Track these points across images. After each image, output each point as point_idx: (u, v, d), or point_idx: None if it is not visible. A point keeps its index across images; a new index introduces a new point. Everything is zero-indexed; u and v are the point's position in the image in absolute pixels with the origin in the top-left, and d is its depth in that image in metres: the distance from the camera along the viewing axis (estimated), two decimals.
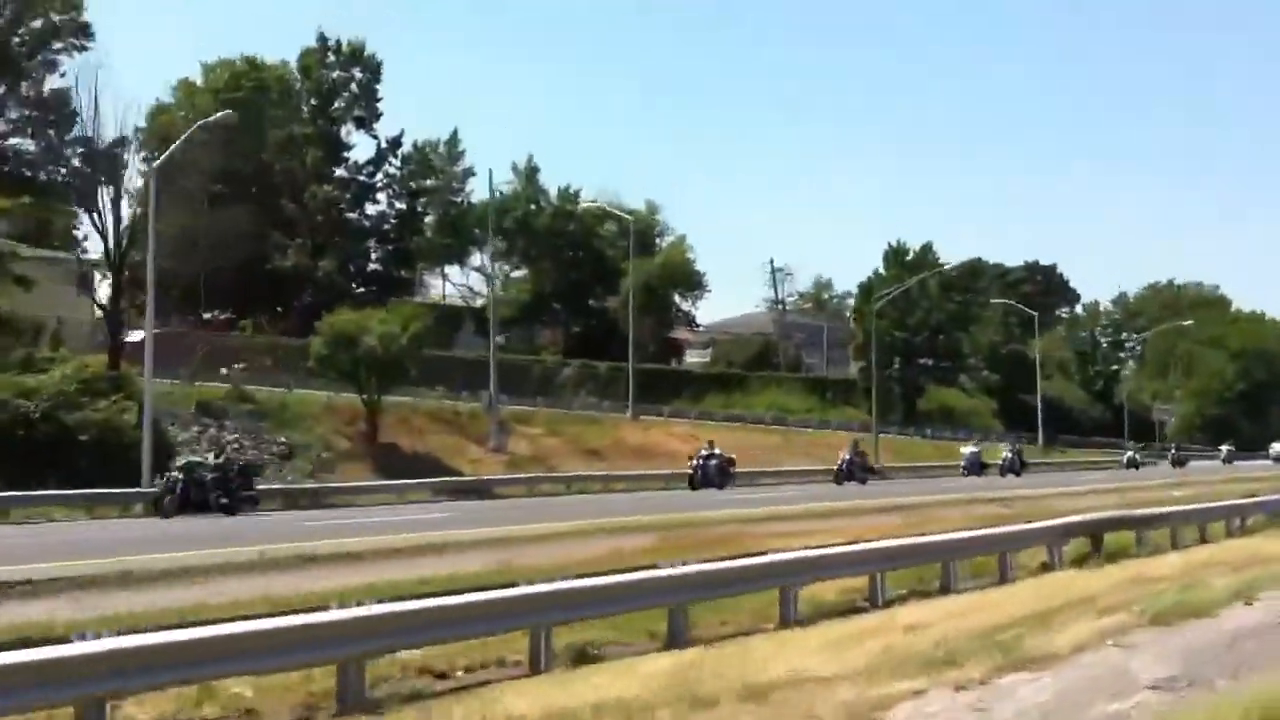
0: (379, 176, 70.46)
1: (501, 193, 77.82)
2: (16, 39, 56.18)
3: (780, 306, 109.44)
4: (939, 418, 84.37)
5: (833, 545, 15.01)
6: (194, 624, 8.99)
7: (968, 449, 54.24)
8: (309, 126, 66.62)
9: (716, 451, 39.87)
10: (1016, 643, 8.93)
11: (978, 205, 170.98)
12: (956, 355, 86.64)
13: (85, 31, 56.45)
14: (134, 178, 64.47)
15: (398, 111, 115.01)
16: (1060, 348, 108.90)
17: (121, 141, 62.87)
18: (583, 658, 11.01)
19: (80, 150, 55.98)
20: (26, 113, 57.05)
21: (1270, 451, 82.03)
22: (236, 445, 37.38)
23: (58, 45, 57.43)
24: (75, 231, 70.46)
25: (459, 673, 10.36)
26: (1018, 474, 50.59)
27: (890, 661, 8.41)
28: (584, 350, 74.72)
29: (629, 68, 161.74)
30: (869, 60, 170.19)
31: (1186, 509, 23.71)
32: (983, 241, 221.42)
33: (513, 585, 11.00)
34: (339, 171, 68.18)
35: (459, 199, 79.53)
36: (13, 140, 58.79)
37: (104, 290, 75.13)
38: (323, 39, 67.73)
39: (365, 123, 69.72)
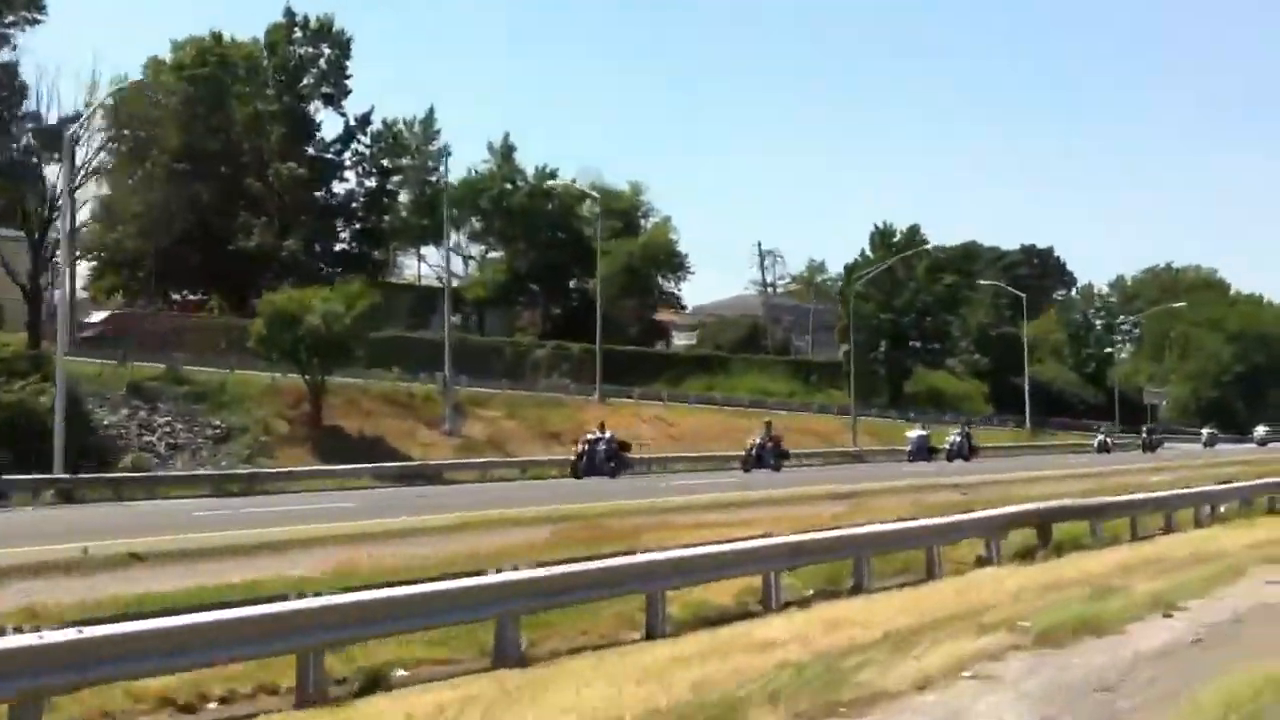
0: (347, 155, 68.50)
1: (477, 172, 76.21)
2: None
3: (770, 289, 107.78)
4: (927, 401, 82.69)
5: (720, 542, 13.25)
6: None
7: (913, 432, 51.60)
8: (274, 104, 64.67)
9: (607, 435, 36.98)
10: (853, 673, 7.22)
11: (975, 189, 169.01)
12: (944, 337, 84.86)
13: (36, 4, 54.51)
14: (89, 155, 62.76)
15: (371, 90, 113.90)
16: (1055, 331, 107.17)
17: (75, 118, 61.53)
18: (374, 683, 9.31)
19: (30, 126, 54.29)
20: None
21: (1254, 435, 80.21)
22: (168, 429, 35.74)
23: (9, 18, 55.56)
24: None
25: (212, 704, 8.65)
26: (966, 459, 47.95)
27: (680, 705, 6.69)
28: (565, 332, 72.97)
29: (615, 48, 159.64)
30: (860, 40, 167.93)
31: (1144, 497, 22.03)
32: (980, 225, 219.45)
33: (283, 599, 9.23)
34: (308, 150, 66.13)
35: (434, 178, 77.58)
36: None
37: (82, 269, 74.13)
38: (290, 14, 65.76)
39: (334, 100, 67.72)
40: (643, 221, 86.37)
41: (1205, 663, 7.73)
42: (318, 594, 9.58)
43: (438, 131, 76.89)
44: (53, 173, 62.57)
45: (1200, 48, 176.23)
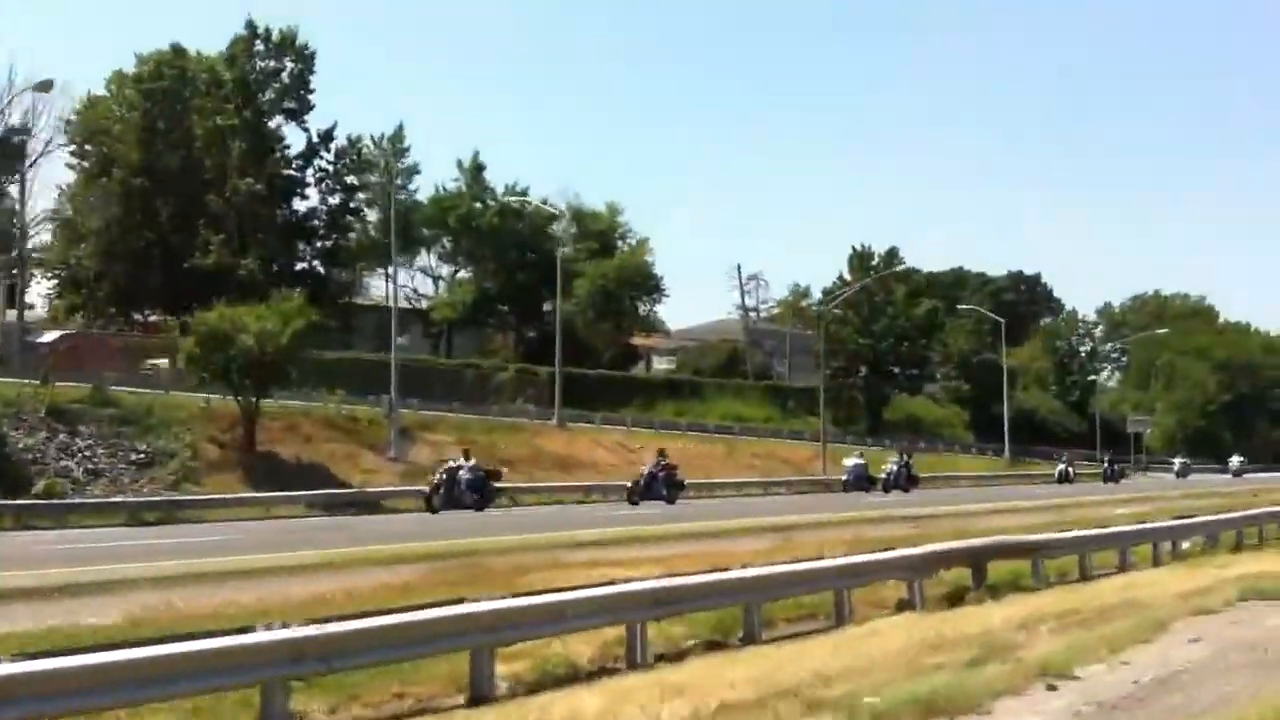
0: (310, 172, 66.91)
1: (445, 190, 74.75)
2: None
3: (752, 313, 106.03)
4: (906, 428, 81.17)
5: (559, 590, 11.59)
6: None
7: (850, 460, 47.95)
8: (234, 118, 63.14)
9: (470, 463, 33.30)
10: None
11: (964, 215, 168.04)
12: (924, 363, 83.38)
13: None
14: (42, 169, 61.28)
15: (338, 107, 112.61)
16: (1039, 358, 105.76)
17: (22, 130, 60.05)
18: None
19: None
20: None
21: (1229, 465, 78.46)
22: (88, 453, 34.01)
23: None
24: None
25: None
26: (905, 490, 45.02)
27: None
28: (538, 355, 71.36)
29: (598, 69, 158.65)
30: (844, 63, 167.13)
31: (1093, 534, 20.34)
32: (968, 252, 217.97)
33: None
34: (268, 166, 64.51)
35: (404, 196, 76.05)
36: None
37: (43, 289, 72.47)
38: (251, 27, 64.30)
39: (297, 115, 66.23)
40: (620, 243, 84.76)
41: None
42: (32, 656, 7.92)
43: (407, 149, 75.48)
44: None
45: (1193, 72, 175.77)
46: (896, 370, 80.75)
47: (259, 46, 64.70)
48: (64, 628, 10.77)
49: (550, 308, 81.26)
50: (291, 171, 66.47)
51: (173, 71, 63.68)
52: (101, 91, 66.42)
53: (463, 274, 77.29)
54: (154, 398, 38.30)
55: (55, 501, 30.60)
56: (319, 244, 67.68)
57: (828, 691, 7.65)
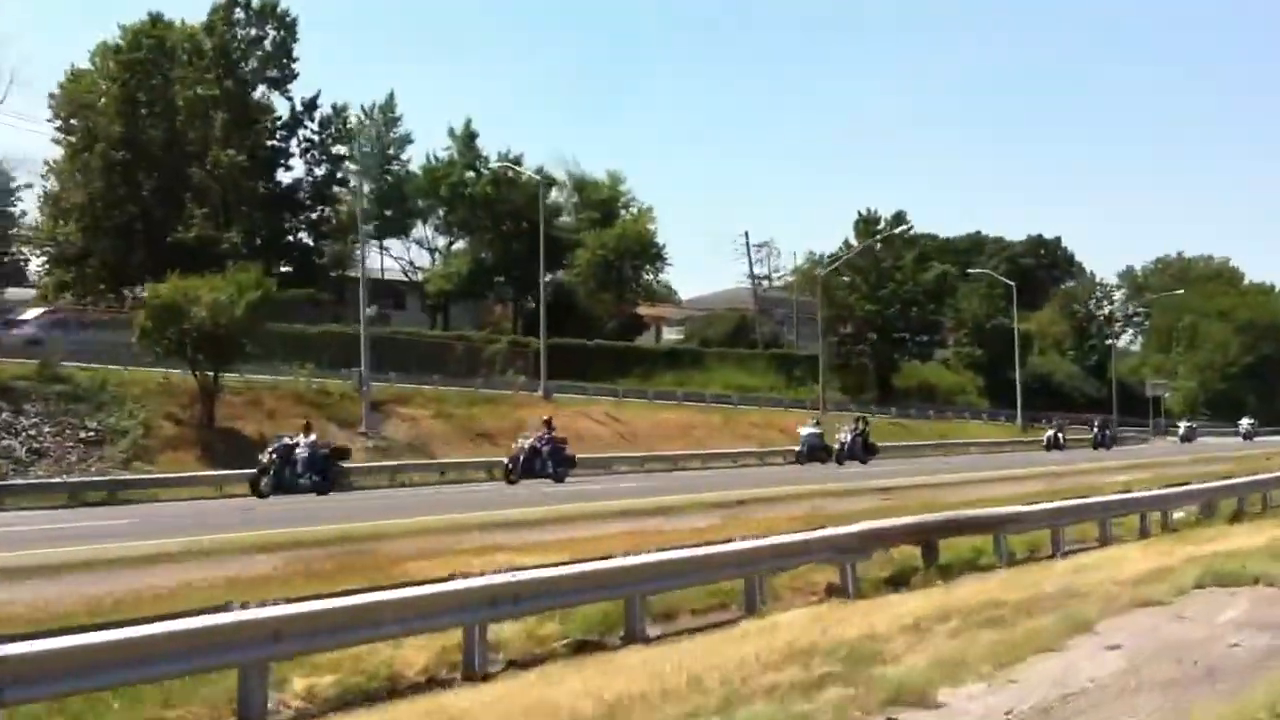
0: (294, 142, 65.22)
1: (436, 159, 72.99)
2: None
3: (764, 281, 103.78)
4: (919, 395, 79.27)
5: (359, 590, 9.89)
6: None
7: (804, 429, 43.77)
8: (214, 88, 61.46)
9: (309, 439, 29.43)
10: None
11: (982, 180, 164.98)
12: (934, 329, 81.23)
13: None
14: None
15: (328, 77, 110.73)
16: (1058, 322, 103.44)
17: None
18: None
19: None
20: None
21: (1239, 428, 75.84)
22: (33, 432, 32.59)
23: None
24: None
25: None
26: (863, 461, 41.67)
27: None
28: (539, 327, 69.77)
29: (609, 40, 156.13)
30: (860, 29, 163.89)
31: (1061, 506, 18.46)
32: (990, 218, 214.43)
33: None
34: (251, 137, 62.79)
35: (396, 167, 74.46)
36: None
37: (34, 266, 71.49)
38: None
39: (280, 84, 64.54)
40: (624, 213, 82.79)
41: None
42: None
43: (399, 118, 73.75)
44: None
45: (1213, 33, 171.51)
46: (906, 337, 78.56)
47: (239, 15, 62.99)
48: None
49: (550, 278, 79.97)
50: (276, 142, 64.76)
51: (151, 42, 62.00)
52: (87, 65, 64.99)
53: (458, 245, 75.35)
54: (109, 373, 36.80)
55: None
56: (306, 215, 65.89)
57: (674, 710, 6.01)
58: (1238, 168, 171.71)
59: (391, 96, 73.54)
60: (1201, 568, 11.69)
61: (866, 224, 77.58)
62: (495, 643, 10.42)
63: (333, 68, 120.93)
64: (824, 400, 55.91)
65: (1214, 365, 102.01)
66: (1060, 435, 56.83)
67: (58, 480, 29.87)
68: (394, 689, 9.29)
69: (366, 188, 72.81)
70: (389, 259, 78.01)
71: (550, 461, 32.39)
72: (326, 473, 29.19)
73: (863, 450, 42.85)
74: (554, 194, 77.38)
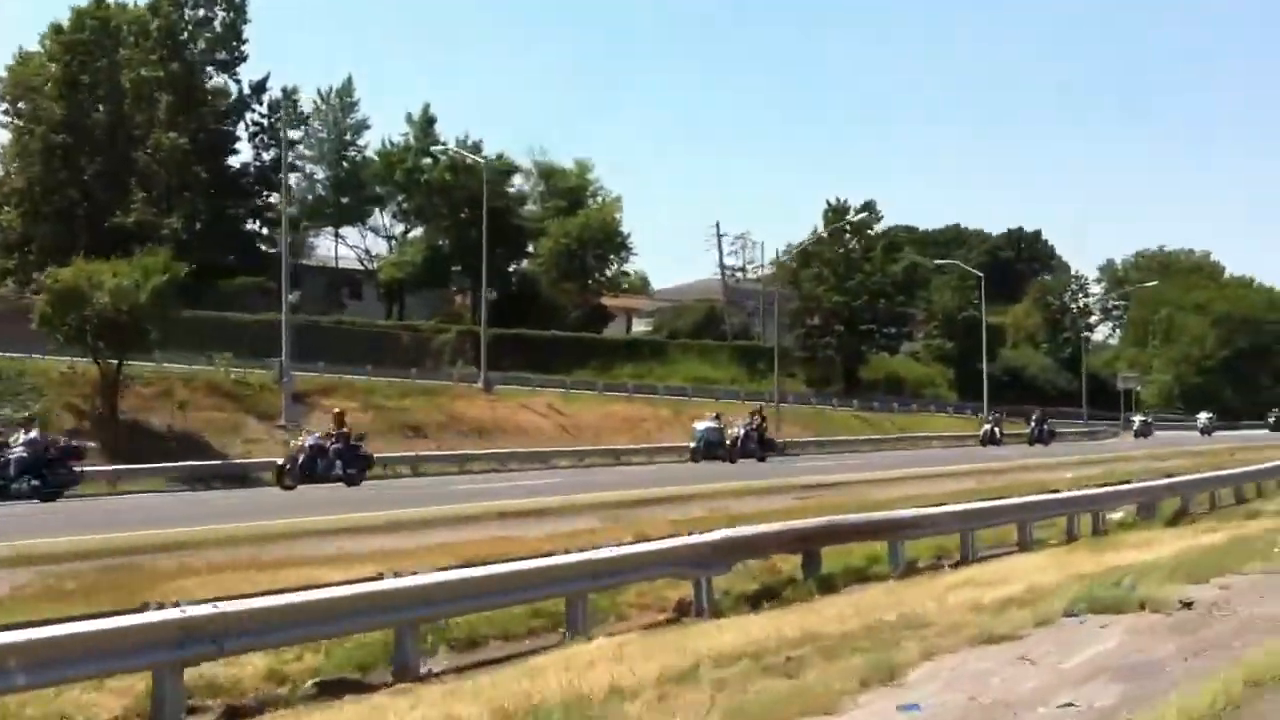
0: (242, 126, 63.38)
1: (392, 144, 71.04)
2: None
3: (739, 274, 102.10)
4: (886, 388, 77.64)
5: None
6: None
7: (701, 423, 39.78)
8: (159, 69, 59.44)
9: (29, 435, 25.35)
10: None
11: (963, 173, 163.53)
12: (902, 321, 79.51)
13: None
14: None
15: (286, 61, 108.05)
16: (1034, 315, 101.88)
17: None
18: None
19: None
20: None
21: (1197, 422, 74.10)
22: None
23: None
24: None
25: None
26: (760, 458, 37.58)
27: None
28: (503, 318, 67.94)
29: (566, 31, 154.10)
30: (841, 16, 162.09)
31: (972, 508, 16.70)
32: (970, 210, 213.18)
33: None
34: (195, 120, 60.77)
35: (354, 153, 72.55)
36: None
37: None
38: None
39: (229, 67, 62.61)
40: (591, 201, 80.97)
41: None
42: None
43: (356, 102, 71.81)
44: None
45: (1196, 26, 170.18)
46: (874, 329, 76.79)
47: None
48: None
49: (516, 269, 78.11)
50: (223, 126, 62.77)
51: (95, 23, 60.03)
52: (36, 47, 63.05)
53: (415, 233, 73.37)
54: (10, 363, 34.89)
55: None
56: (252, 202, 63.94)
57: None
58: (1221, 161, 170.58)
59: (349, 81, 71.81)
60: (1087, 586, 9.96)
61: (836, 213, 75.76)
62: (221, 683, 8.65)
63: (291, 52, 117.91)
64: (778, 394, 54.06)
65: (1190, 359, 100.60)
66: (998, 430, 53.35)
67: None
68: None
69: (322, 174, 71.21)
70: (344, 247, 75.93)
71: (340, 462, 27.56)
72: (46, 474, 24.82)
73: (759, 446, 38.86)
74: (519, 182, 75.70)
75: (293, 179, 69.40)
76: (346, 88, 71.36)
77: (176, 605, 7.92)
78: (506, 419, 44.06)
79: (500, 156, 72.71)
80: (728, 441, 38.18)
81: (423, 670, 9.42)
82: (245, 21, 62.66)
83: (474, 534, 15.38)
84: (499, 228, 71.40)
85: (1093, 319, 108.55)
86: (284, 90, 63.88)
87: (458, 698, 7.67)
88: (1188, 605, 9.24)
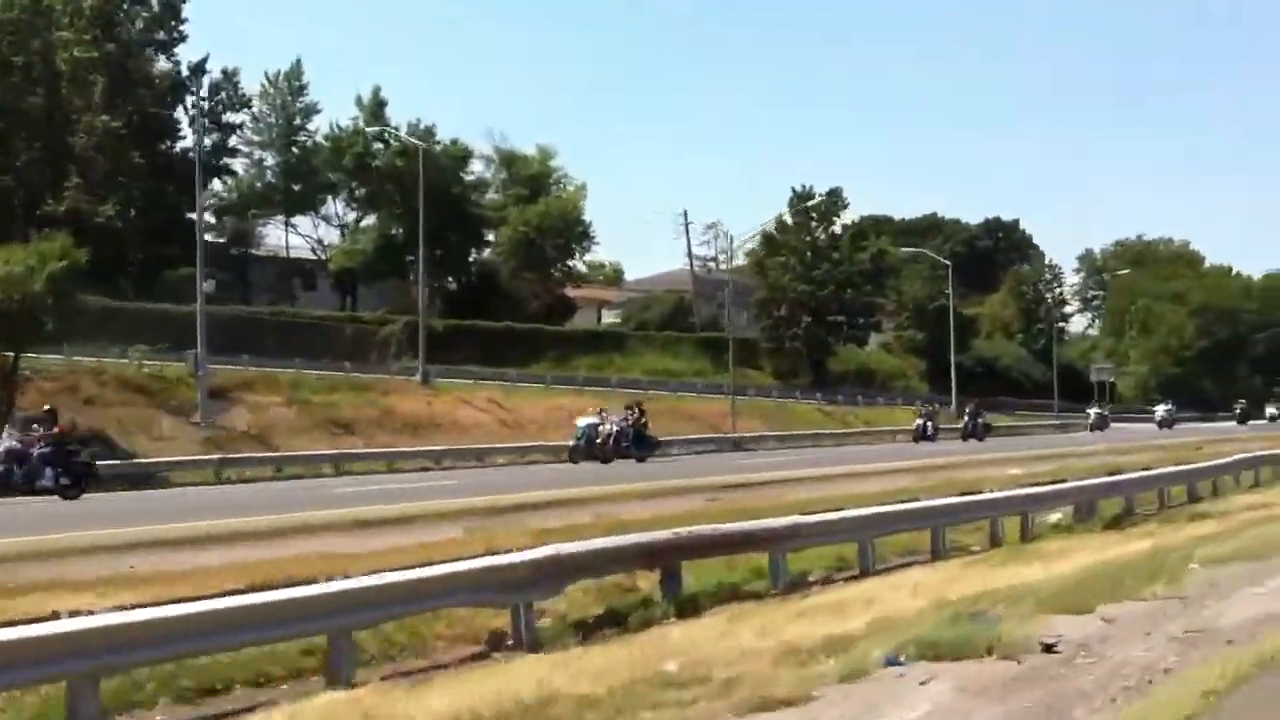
0: (181, 110, 61.11)
1: (339, 128, 68.83)
2: None
3: (710, 264, 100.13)
4: (856, 380, 75.86)
5: None
6: None
7: (583, 420, 35.41)
8: (92, 50, 57.17)
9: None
10: None
11: (942, 163, 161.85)
12: (871, 311, 77.60)
13: None
14: None
15: (233, 44, 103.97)
16: (1009, 305, 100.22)
17: None
18: None
19: None
20: None
21: (1155, 415, 72.29)
22: None
23: None
24: None
25: None
26: (639, 459, 33.37)
27: None
28: (464, 309, 66.04)
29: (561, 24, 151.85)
30: (814, 10, 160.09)
31: (869, 513, 14.80)
32: (951, 201, 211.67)
33: None
34: (131, 104, 58.44)
35: (304, 139, 70.35)
36: None
37: None
38: None
39: (167, 48, 60.34)
40: (556, 189, 78.96)
41: None
42: None
43: (304, 86, 69.62)
44: None
45: (1177, 13, 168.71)
46: (842, 320, 74.85)
47: None
48: None
49: (476, 258, 76.06)
50: (162, 110, 60.51)
51: (25, 1, 57.68)
52: None
53: (368, 221, 71.15)
54: None
55: None
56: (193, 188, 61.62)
57: None
58: (1201, 150, 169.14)
59: (298, 64, 69.59)
60: (938, 620, 8.10)
61: (801, 199, 73.84)
62: None
63: (237, 34, 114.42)
64: (733, 386, 52.26)
65: (1168, 349, 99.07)
66: (930, 424, 48.37)
67: None
68: None
69: (272, 160, 68.97)
70: (297, 236, 73.70)
71: (50, 468, 23.35)
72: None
73: (635, 444, 34.49)
74: (480, 169, 73.63)
75: (240, 165, 67.56)
76: (295, 70, 69.19)
77: None
78: (444, 414, 42.14)
79: (455, 142, 70.79)
80: (598, 440, 34.25)
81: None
82: (184, 0, 60.39)
83: (285, 551, 13.43)
84: (456, 215, 69.50)
85: (1071, 309, 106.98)
86: (224, 72, 61.65)
87: None
88: (1049, 648, 7.41)
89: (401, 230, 67.71)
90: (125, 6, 59.39)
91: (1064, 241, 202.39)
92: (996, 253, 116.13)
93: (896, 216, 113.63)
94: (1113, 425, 72.91)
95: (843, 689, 6.42)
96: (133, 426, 34.31)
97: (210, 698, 8.85)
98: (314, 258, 73.05)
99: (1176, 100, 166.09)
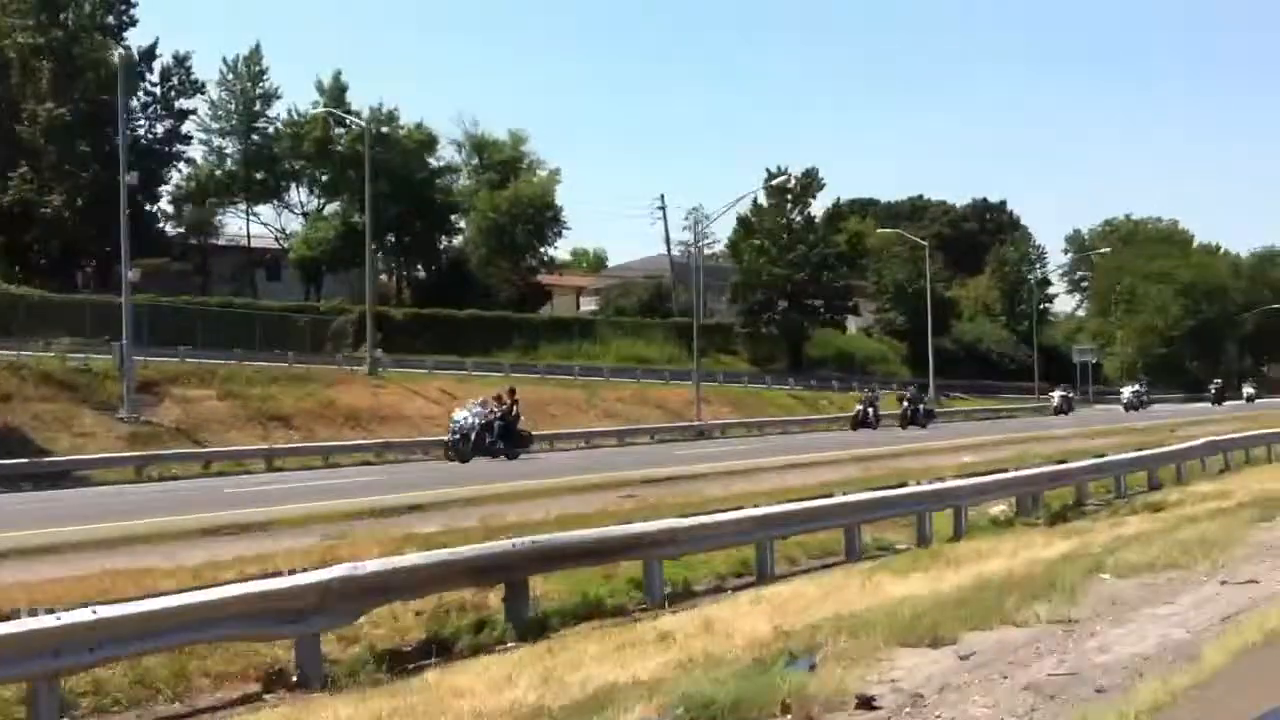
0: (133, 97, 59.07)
1: (298, 114, 67.01)
2: None
3: (694, 249, 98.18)
4: (835, 364, 74.28)
5: None
6: None
7: (460, 412, 31.05)
8: (36, 36, 55.31)
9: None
10: None
11: (927, 144, 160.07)
12: (848, 294, 75.88)
13: None
14: None
15: (189, 27, 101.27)
16: (994, 287, 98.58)
17: None
18: None
19: None
20: None
21: (1121, 397, 70.74)
22: None
23: None
24: None
25: None
26: (509, 456, 29.84)
27: None
28: (435, 298, 64.38)
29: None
30: None
31: (756, 514, 13.10)
32: (939, 183, 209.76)
33: None
34: (78, 91, 56.52)
35: (265, 126, 68.49)
36: None
37: None
38: None
39: (116, 33, 58.34)
40: (529, 175, 77.13)
41: None
42: None
43: (264, 71, 67.72)
44: None
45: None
46: (820, 303, 73.18)
47: None
48: None
49: (447, 245, 74.36)
50: (110, 96, 58.50)
51: None
52: None
53: (331, 208, 69.27)
54: None
55: None
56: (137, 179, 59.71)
57: None
58: (1189, 129, 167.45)
59: (257, 48, 67.67)
60: (730, 668, 6.52)
61: (774, 178, 72.05)
62: None
63: (192, 18, 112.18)
64: (697, 372, 50.62)
65: (1154, 329, 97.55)
66: (872, 410, 45.57)
67: None
68: None
69: (232, 148, 67.20)
70: (260, 225, 71.79)
71: None
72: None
73: (504, 440, 30.56)
74: (450, 155, 71.87)
75: (199, 153, 65.76)
76: (255, 55, 67.26)
77: None
78: (389, 406, 40.49)
79: (419, 126, 69.07)
80: (459, 435, 30.31)
81: None
82: None
83: (78, 569, 11.77)
84: (423, 201, 67.81)
85: (1056, 290, 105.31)
86: (175, 56, 59.71)
87: None
88: (867, 703, 5.79)
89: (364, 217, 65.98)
90: None
91: (1052, 223, 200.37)
92: (982, 234, 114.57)
93: (882, 199, 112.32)
94: (1095, 407, 71.57)
95: None
96: (52, 423, 32.63)
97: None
98: (277, 247, 71.24)
99: (1168, 80, 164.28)
